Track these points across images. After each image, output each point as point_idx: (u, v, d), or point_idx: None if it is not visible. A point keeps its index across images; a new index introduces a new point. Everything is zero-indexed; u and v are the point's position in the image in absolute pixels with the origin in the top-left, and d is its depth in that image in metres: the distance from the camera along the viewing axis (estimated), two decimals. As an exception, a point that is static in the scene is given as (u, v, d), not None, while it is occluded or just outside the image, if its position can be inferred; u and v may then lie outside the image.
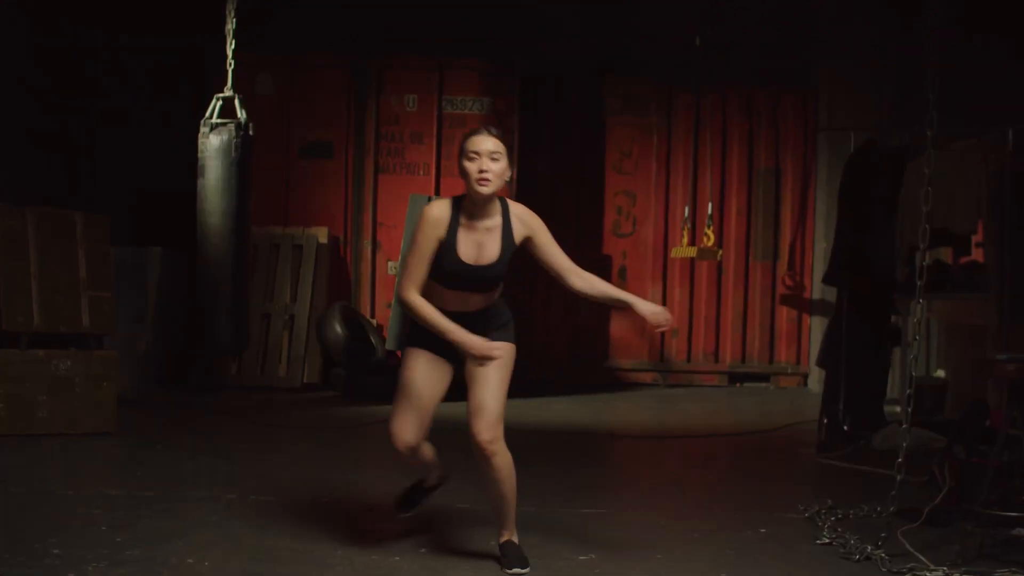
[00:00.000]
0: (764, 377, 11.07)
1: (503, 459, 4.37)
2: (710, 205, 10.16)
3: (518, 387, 9.79)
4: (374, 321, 10.20)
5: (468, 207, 4.43)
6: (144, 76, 10.62)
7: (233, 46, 7.18)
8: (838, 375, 8.18)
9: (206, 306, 7.12)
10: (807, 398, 10.45)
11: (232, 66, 7.14)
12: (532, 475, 6.30)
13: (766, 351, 11.04)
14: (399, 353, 10.13)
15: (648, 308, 4.44)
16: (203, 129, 7.05)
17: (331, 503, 5.56)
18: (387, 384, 9.62)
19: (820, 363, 8.82)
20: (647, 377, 11.03)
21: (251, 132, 7.02)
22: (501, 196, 4.48)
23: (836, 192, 10.31)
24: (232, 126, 6.98)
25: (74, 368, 7.26)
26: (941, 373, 9.44)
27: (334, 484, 6.05)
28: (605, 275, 10.97)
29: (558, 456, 7.23)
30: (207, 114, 7.05)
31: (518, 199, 10.42)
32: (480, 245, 4.42)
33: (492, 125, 4.53)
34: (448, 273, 4.40)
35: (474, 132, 4.44)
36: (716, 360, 11.03)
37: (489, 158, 4.35)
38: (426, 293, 4.45)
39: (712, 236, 9.95)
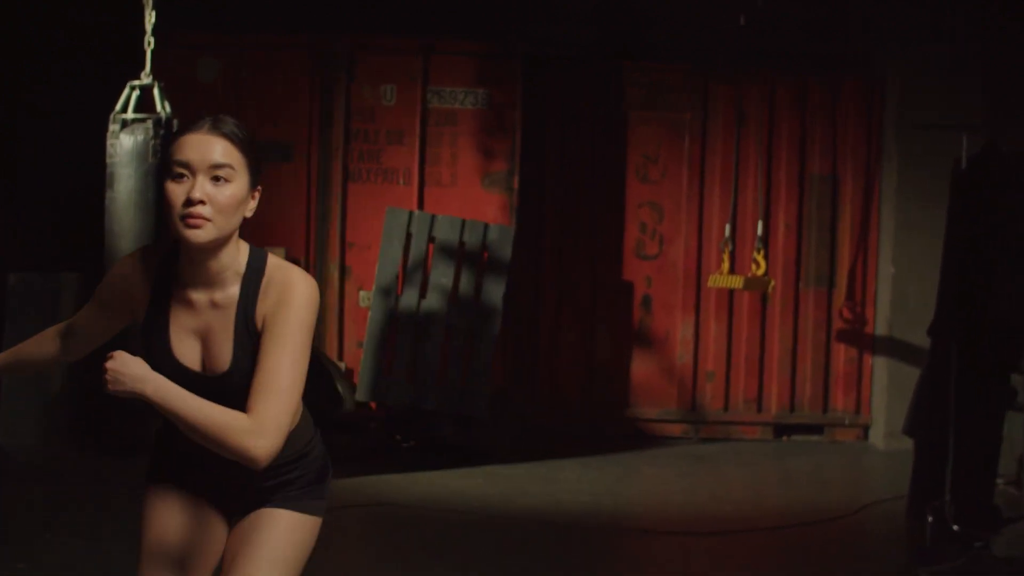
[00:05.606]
0: (817, 429, 9.19)
1: None
2: (760, 224, 8.29)
3: (518, 452, 8.31)
4: (342, 364, 8.43)
5: (184, 265, 2.54)
6: (72, 63, 9.01)
7: (153, 19, 5.75)
8: (939, 451, 6.35)
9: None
10: (871, 457, 8.67)
11: (151, 45, 5.74)
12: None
13: (819, 398, 9.16)
14: (373, 405, 8.43)
15: None
16: (112, 127, 5.60)
17: None
18: (358, 445, 8.20)
19: (909, 431, 6.98)
20: (676, 429, 9.12)
21: (175, 130, 5.53)
22: (255, 247, 2.57)
23: (906, 204, 8.74)
24: (150, 123, 5.58)
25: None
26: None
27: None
28: (626, 306, 9.18)
29: (571, 572, 5.44)
30: (117, 107, 5.62)
31: (520, 211, 8.83)
32: (205, 335, 2.55)
33: (226, 117, 2.54)
34: None
35: (187, 127, 2.49)
36: (759, 409, 9.15)
37: (207, 176, 2.43)
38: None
39: (763, 263, 8.09)
